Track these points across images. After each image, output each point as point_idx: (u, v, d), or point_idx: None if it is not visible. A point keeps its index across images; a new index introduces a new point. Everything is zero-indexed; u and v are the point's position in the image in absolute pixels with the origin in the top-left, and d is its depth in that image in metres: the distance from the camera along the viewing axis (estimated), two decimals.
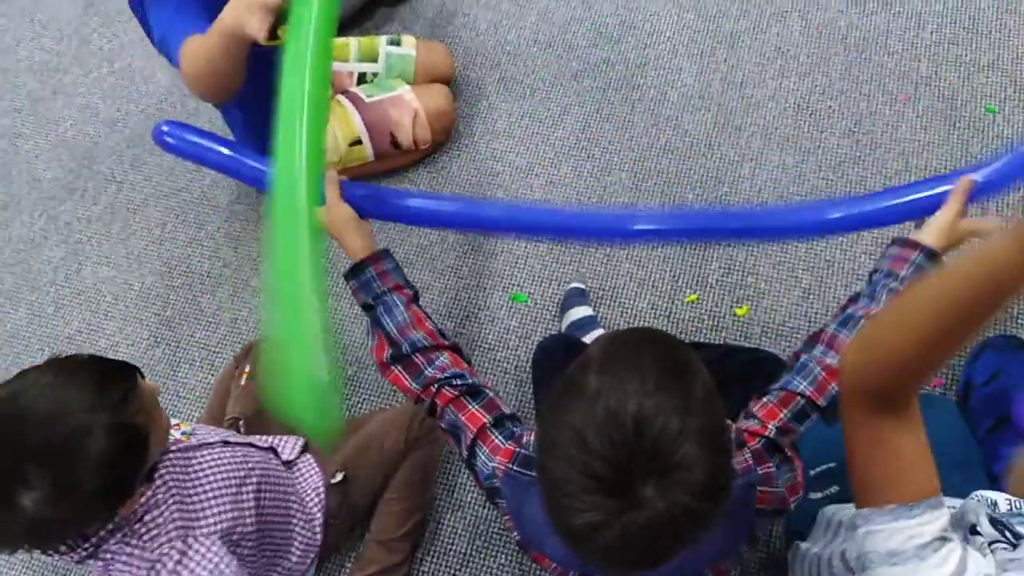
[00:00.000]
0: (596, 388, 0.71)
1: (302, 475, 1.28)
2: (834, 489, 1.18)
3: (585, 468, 0.69)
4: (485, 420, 0.95)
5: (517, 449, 0.93)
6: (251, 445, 1.21)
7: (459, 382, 0.98)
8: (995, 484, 1.15)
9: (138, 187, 1.98)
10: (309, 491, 1.27)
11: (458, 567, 1.40)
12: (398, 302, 1.01)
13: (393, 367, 1.00)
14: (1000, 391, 1.20)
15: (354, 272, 1.04)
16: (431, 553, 1.42)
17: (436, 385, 0.98)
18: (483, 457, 0.94)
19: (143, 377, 0.97)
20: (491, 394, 0.99)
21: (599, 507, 0.68)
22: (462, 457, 0.98)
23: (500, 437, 0.94)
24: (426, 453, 1.38)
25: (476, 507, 1.44)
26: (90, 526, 0.93)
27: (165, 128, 1.23)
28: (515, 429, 0.96)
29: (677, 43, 1.90)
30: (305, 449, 1.32)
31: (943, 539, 0.70)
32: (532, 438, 0.94)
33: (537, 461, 0.76)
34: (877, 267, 1.00)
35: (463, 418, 0.96)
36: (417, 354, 0.99)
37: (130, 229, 1.92)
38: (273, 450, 1.26)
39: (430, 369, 0.99)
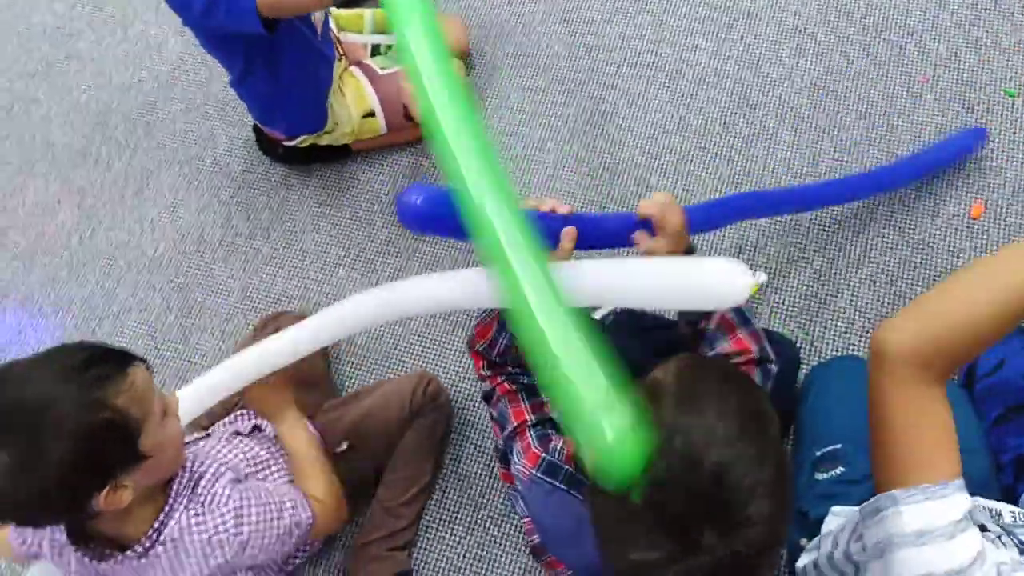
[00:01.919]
0: (673, 422, 0.69)
1: None
2: (840, 470, 1.18)
3: (653, 504, 0.67)
4: (527, 418, 0.97)
5: (543, 455, 0.93)
6: (236, 434, 1.22)
7: (524, 379, 1.02)
8: (1002, 473, 1.15)
9: (151, 153, 1.98)
10: None
11: (463, 535, 1.42)
12: None
13: (478, 354, 1.04)
14: (1007, 380, 1.20)
15: None
16: (437, 521, 1.44)
17: (503, 376, 1.02)
18: (515, 456, 0.96)
19: (149, 370, 0.95)
20: (546, 398, 1.01)
21: (659, 546, 0.67)
22: (497, 449, 1.01)
23: (534, 437, 0.95)
24: (429, 422, 1.39)
25: (483, 478, 1.45)
26: (62, 508, 0.90)
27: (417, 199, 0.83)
28: (550, 432, 0.97)
29: (693, 20, 1.88)
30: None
31: (967, 523, 0.69)
32: (560, 444, 0.94)
33: (593, 479, 0.74)
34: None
35: (511, 410, 0.98)
36: (506, 364, 1.04)
37: (143, 195, 1.93)
38: (258, 427, 1.28)
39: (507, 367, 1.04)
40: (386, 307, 1.05)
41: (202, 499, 1.01)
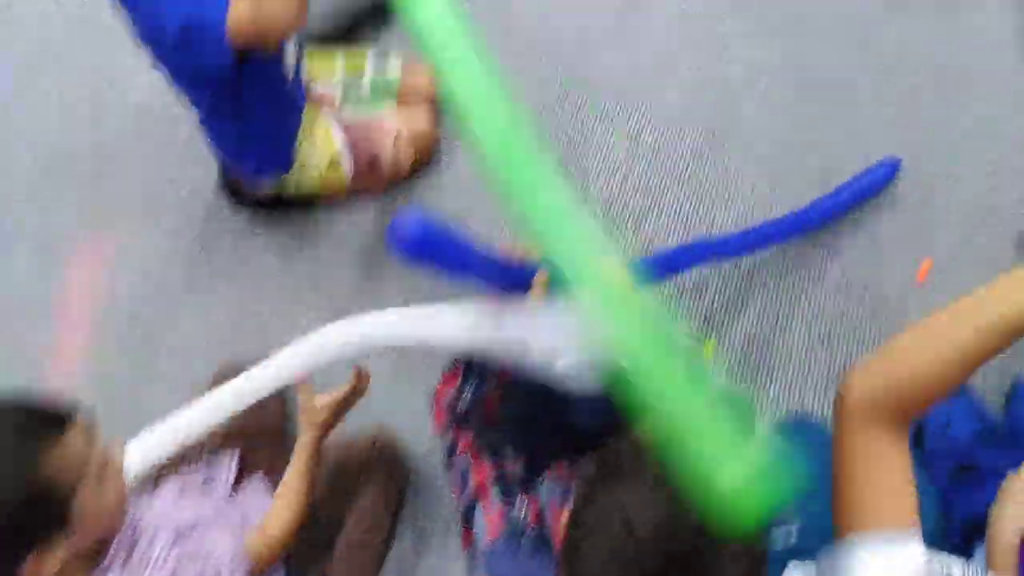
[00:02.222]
0: (657, 480, 0.70)
1: (251, 498, 1.28)
2: (796, 525, 1.18)
3: (629, 567, 0.68)
4: (490, 476, 0.96)
5: (508, 515, 0.92)
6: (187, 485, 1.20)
7: (488, 436, 1.01)
8: (950, 532, 1.18)
9: (113, 193, 1.95)
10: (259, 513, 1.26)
11: None
12: (490, 380, 1.02)
13: (442, 407, 1.03)
14: (954, 440, 1.23)
15: None
16: None
17: (465, 431, 1.01)
18: (477, 516, 0.94)
19: (93, 422, 0.92)
20: (510, 452, 1.00)
21: None
22: (458, 511, 0.98)
23: (497, 497, 0.94)
24: (383, 482, 1.38)
25: (441, 536, 1.43)
26: None
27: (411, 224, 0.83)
28: (514, 488, 0.96)
29: (666, 56, 1.87)
30: (242, 473, 1.31)
31: (924, 571, 0.71)
32: (525, 504, 0.93)
33: (567, 537, 0.75)
34: None
35: (472, 468, 0.97)
36: (469, 416, 1.03)
37: (102, 235, 1.89)
38: (210, 479, 1.27)
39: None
40: (349, 340, 1.05)
41: (135, 566, 0.98)
